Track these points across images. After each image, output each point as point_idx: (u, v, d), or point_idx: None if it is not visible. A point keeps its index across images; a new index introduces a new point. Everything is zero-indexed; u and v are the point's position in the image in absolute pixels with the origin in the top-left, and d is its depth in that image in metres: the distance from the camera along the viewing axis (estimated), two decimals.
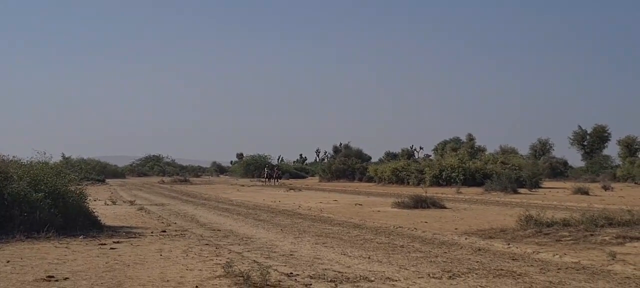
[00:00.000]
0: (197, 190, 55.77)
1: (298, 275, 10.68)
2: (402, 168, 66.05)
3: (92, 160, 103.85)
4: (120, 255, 13.16)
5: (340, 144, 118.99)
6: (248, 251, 13.93)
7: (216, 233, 17.85)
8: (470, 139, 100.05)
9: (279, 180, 79.26)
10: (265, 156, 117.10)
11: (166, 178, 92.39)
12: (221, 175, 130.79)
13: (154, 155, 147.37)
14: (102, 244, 14.89)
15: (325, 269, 11.33)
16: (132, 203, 32.17)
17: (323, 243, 15.39)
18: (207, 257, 12.98)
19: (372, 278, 10.40)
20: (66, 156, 79.84)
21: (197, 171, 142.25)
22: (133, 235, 17.04)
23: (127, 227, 19.27)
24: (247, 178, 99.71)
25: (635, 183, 61.41)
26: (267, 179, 79.03)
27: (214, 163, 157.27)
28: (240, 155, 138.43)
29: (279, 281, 10.02)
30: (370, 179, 73.71)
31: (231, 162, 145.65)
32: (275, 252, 13.83)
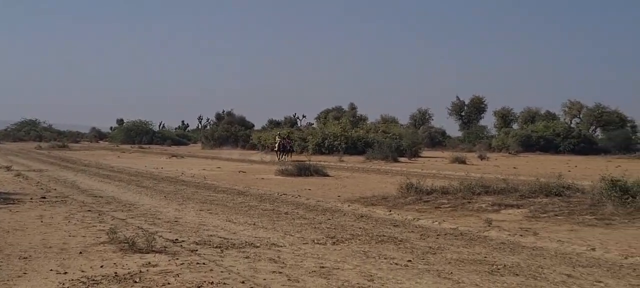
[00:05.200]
0: (76, 156, 54.40)
1: (183, 241, 10.66)
2: (285, 136, 66.23)
3: None
4: None
5: (223, 110, 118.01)
6: (132, 217, 13.78)
7: (98, 200, 17.54)
8: (353, 108, 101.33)
9: (290, 155, 50.80)
10: (147, 122, 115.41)
11: (43, 144, 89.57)
12: (101, 141, 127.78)
13: (30, 120, 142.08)
14: None
15: (211, 235, 11.35)
16: (8, 169, 31.13)
17: (208, 210, 15.38)
18: (90, 223, 12.76)
19: (258, 244, 10.47)
20: None
21: (76, 137, 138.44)
22: (11, 201, 16.54)
23: (5, 193, 18.67)
24: (128, 144, 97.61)
25: (510, 153, 63.69)
26: (279, 152, 50.70)
27: (93, 129, 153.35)
28: (120, 121, 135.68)
29: (165, 247, 9.97)
30: (253, 147, 73.67)
31: (111, 128, 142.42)
32: (159, 218, 13.73)
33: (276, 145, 52.34)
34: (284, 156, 49.55)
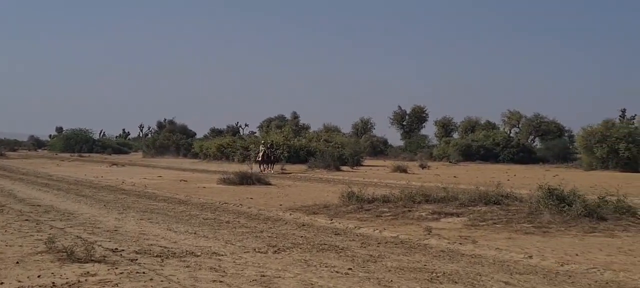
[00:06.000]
0: (13, 164, 53.36)
1: (123, 250, 10.55)
2: (227, 145, 66.09)
3: None
4: None
5: (165, 119, 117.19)
6: (71, 227, 13.59)
7: (36, 209, 17.23)
8: (295, 116, 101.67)
9: (274, 167, 45.16)
10: (87, 130, 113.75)
11: None
12: (39, 150, 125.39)
13: None
14: None
15: (151, 244, 11.26)
16: None
17: (148, 219, 15.24)
18: (27, 232, 12.55)
19: (199, 253, 10.43)
20: None
21: (13, 145, 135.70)
22: None
23: None
24: (67, 153, 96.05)
25: (450, 162, 64.42)
26: (262, 164, 44.55)
27: (32, 137, 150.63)
28: (59, 129, 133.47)
29: (104, 256, 9.86)
30: (195, 155, 73.23)
31: (50, 136, 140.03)
32: (99, 227, 13.57)
33: (260, 155, 45.52)
34: (267, 168, 43.69)
